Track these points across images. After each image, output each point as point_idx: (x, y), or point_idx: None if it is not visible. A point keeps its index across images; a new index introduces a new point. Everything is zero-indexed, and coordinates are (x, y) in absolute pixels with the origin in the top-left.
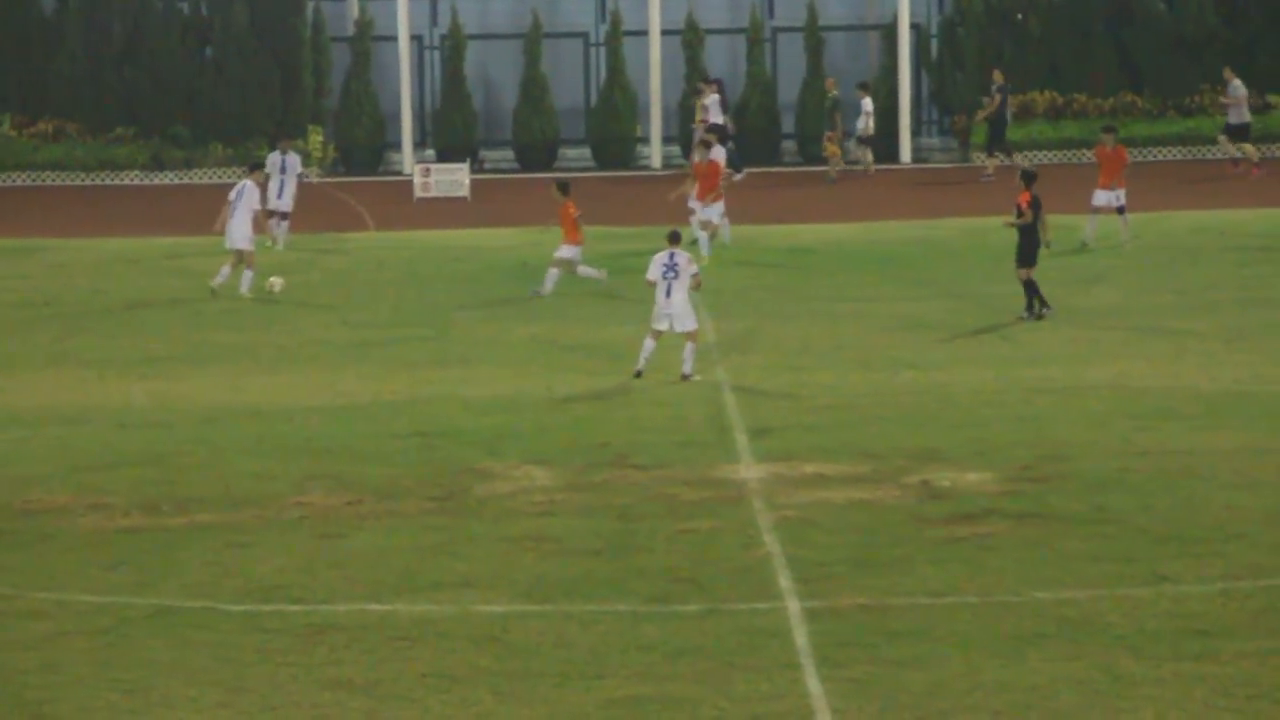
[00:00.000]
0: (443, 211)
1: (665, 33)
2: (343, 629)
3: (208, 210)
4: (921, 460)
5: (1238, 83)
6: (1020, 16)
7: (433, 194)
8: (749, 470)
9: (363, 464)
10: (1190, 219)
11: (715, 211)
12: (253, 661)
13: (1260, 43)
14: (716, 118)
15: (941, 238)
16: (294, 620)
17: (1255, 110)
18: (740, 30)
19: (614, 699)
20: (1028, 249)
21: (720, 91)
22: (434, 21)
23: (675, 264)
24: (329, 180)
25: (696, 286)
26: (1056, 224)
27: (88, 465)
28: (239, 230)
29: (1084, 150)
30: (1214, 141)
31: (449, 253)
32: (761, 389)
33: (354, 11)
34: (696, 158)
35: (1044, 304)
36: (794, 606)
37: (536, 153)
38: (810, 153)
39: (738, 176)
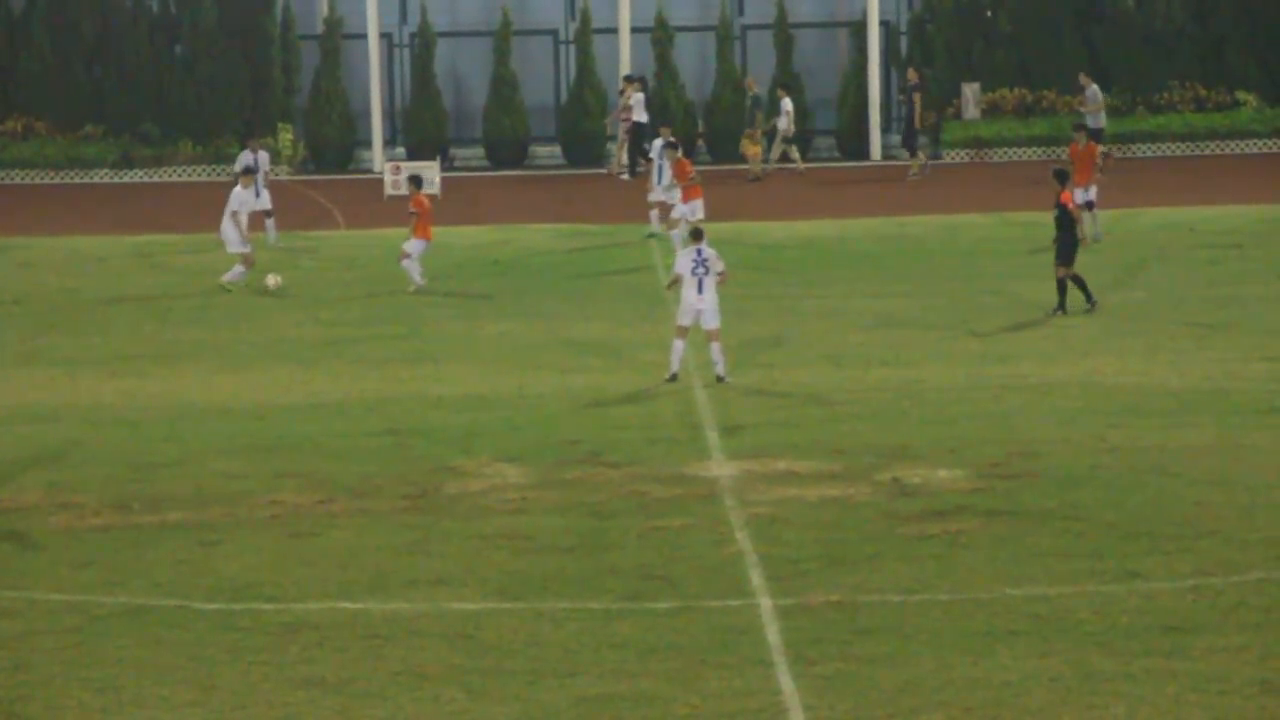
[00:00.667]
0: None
1: (635, 30)
2: (315, 627)
3: (177, 208)
4: (892, 457)
5: (1095, 88)
6: (989, 13)
7: (403, 192)
8: (720, 467)
9: (334, 462)
10: (1160, 216)
11: (690, 209)
12: (224, 660)
13: (1229, 40)
14: (640, 115)
15: (913, 235)
16: (266, 619)
17: (1224, 108)
18: (710, 28)
19: (586, 696)
20: (1067, 247)
21: (644, 89)
22: (403, 19)
23: (704, 259)
24: (299, 178)
25: (723, 282)
26: (1028, 221)
27: (58, 463)
28: (226, 234)
29: (1053, 147)
30: (1184, 138)
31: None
32: (733, 386)
33: (323, 9)
34: (668, 159)
35: (1089, 298)
36: (766, 604)
37: (507, 150)
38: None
39: (625, 177)
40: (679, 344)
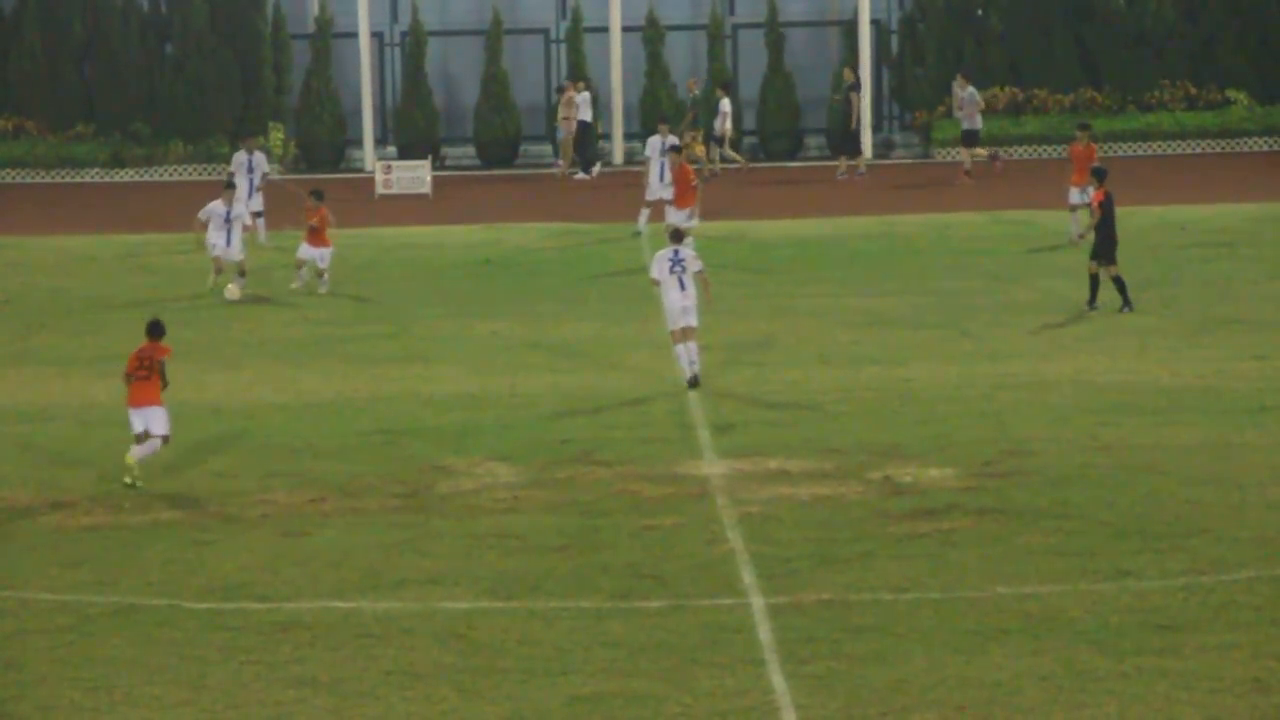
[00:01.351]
0: (404, 208)
1: (626, 29)
2: (306, 627)
3: (168, 208)
4: (884, 456)
5: (972, 90)
6: (980, 12)
7: (394, 191)
8: (712, 466)
9: (325, 461)
10: (1152, 214)
11: (684, 215)
12: (216, 659)
13: (1219, 38)
14: (585, 115)
15: (903, 233)
16: (257, 618)
17: (1215, 106)
18: (701, 26)
19: (578, 695)
20: (1105, 245)
21: (590, 89)
22: (394, 18)
23: (681, 259)
24: (290, 177)
25: (706, 284)
26: (1020, 219)
27: (49, 463)
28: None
29: (1044, 145)
30: (1175, 136)
31: (411, 249)
32: (724, 385)
33: (314, 8)
34: (669, 163)
35: (1126, 302)
36: (757, 602)
37: (498, 149)
38: (771, 149)
39: (579, 176)
40: (680, 350)
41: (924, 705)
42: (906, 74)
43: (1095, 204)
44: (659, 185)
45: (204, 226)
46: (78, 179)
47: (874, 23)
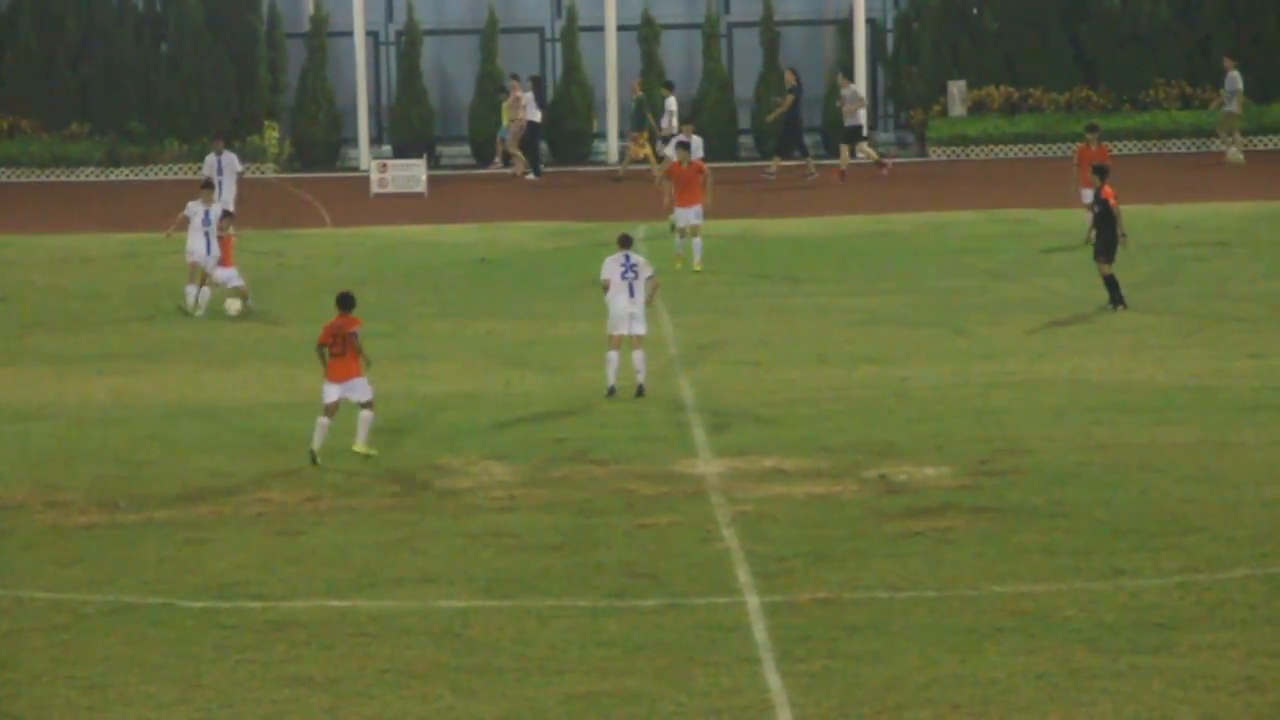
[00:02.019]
0: (399, 207)
1: (621, 28)
2: (302, 625)
3: (163, 206)
4: (879, 455)
5: (854, 88)
6: (975, 11)
7: (389, 190)
8: (707, 465)
9: (321, 460)
10: (1146, 213)
11: (693, 213)
12: (211, 658)
13: (1214, 37)
14: (533, 115)
15: (899, 232)
16: (253, 617)
17: (1209, 105)
18: (696, 25)
19: (573, 694)
20: (1109, 244)
21: (536, 88)
22: (390, 17)
23: (633, 264)
24: (285, 176)
25: (655, 289)
26: (1017, 218)
27: (45, 462)
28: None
29: (1039, 144)
30: (1170, 135)
31: (406, 248)
32: (719, 384)
33: (309, 7)
34: (678, 159)
35: (1118, 301)
36: (753, 601)
37: (493, 148)
38: (766, 148)
39: (531, 176)
40: (613, 355)
41: (919, 703)
42: (901, 73)
43: (1112, 201)
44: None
45: (184, 225)
46: (73, 178)
47: (869, 21)
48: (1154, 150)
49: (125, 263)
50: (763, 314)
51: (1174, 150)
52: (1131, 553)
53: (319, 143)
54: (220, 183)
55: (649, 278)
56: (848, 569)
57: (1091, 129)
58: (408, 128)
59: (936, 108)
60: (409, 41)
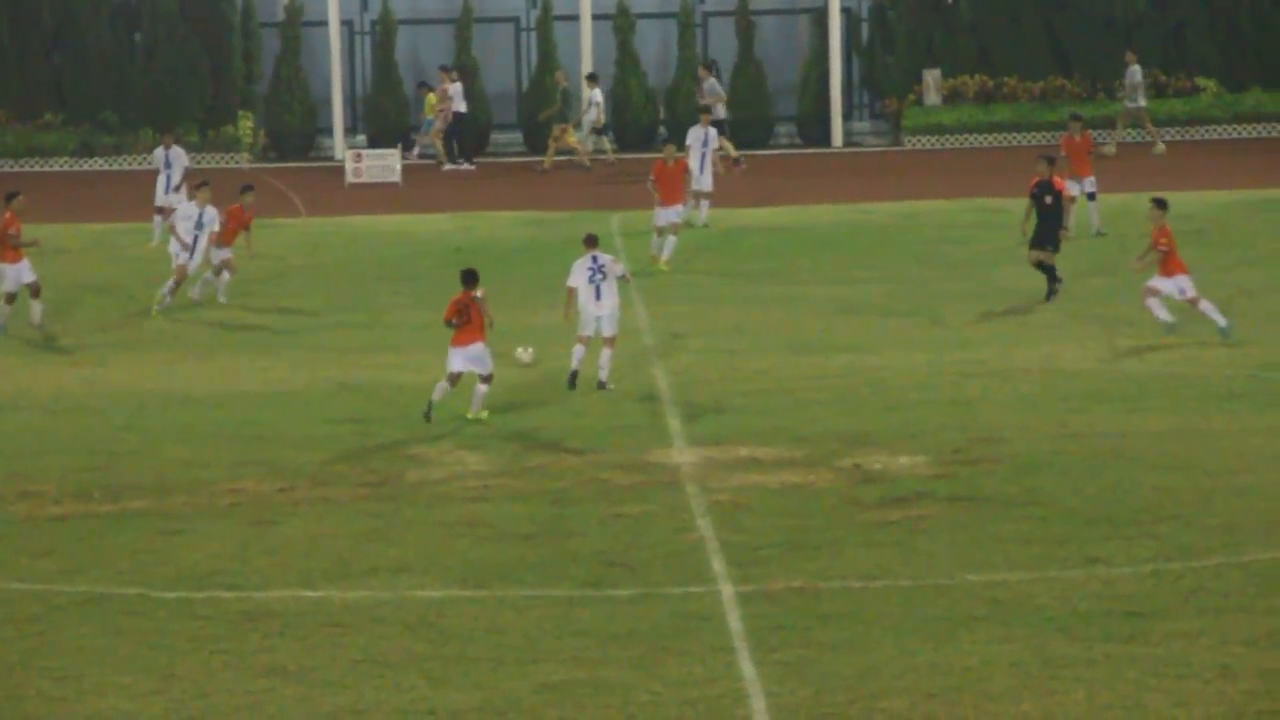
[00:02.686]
0: (374, 197)
1: (596, 17)
2: (276, 615)
3: (137, 196)
4: (853, 444)
5: (713, 81)
6: (950, 1)
7: (364, 180)
8: (682, 454)
9: (296, 450)
10: (1119, 201)
11: (676, 213)
12: (185, 649)
13: (1189, 25)
14: (460, 105)
15: (873, 222)
16: (227, 607)
17: (1184, 94)
18: (671, 15)
19: (548, 684)
20: (1054, 232)
21: (464, 79)
22: (364, 7)
23: (600, 266)
24: (260, 166)
25: (627, 282)
26: (992, 207)
27: (18, 452)
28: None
29: (1014, 133)
30: (1078, 119)
31: (381, 238)
32: (694, 373)
33: None
34: (664, 157)
35: (1053, 284)
36: (727, 590)
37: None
38: (742, 137)
39: (467, 166)
40: (580, 349)
41: (893, 692)
42: (876, 62)
43: (1064, 191)
44: (699, 175)
45: (173, 226)
46: (46, 168)
47: (844, 10)
48: (1127, 139)
49: (99, 253)
50: (738, 303)
51: (1148, 139)
52: (1105, 541)
53: (294, 132)
54: (169, 177)
55: (620, 276)
56: (822, 558)
57: (1076, 118)
58: (383, 117)
59: (911, 97)
60: (384, 31)
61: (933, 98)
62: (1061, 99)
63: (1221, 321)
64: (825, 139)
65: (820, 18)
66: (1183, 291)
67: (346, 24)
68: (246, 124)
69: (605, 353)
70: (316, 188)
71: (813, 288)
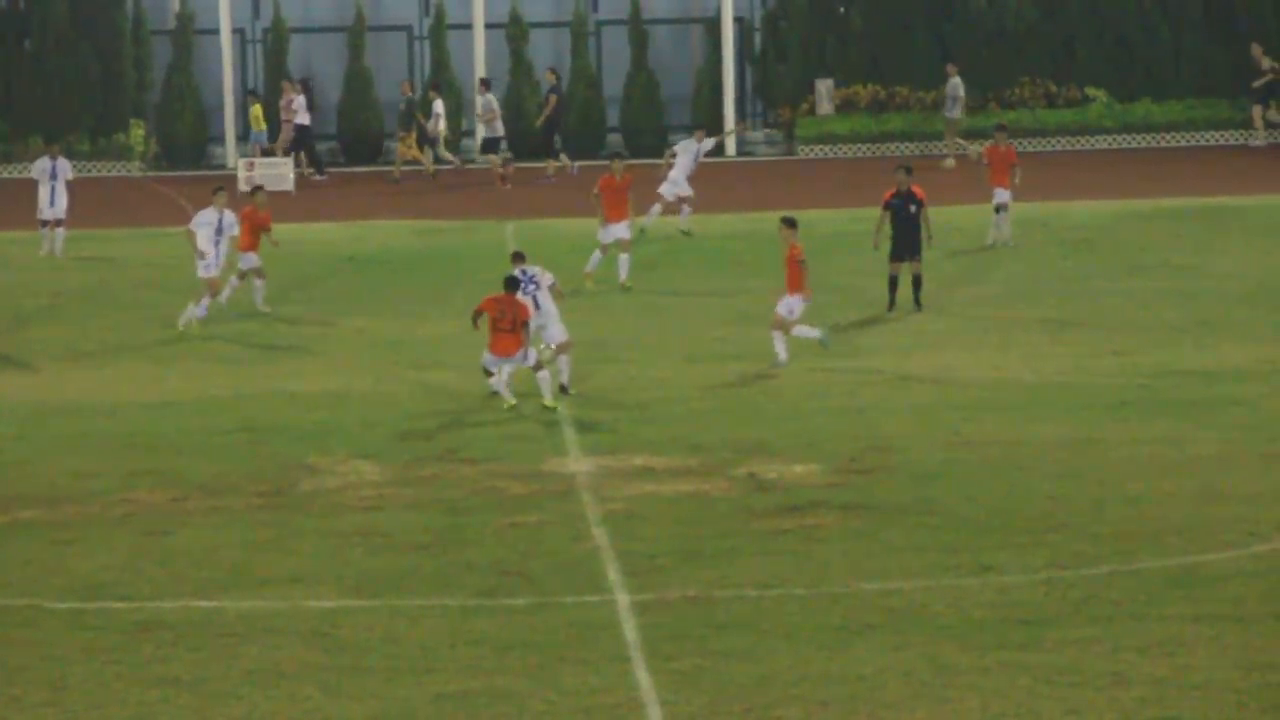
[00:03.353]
0: (267, 205)
1: (489, 26)
2: (169, 626)
3: (25, 205)
4: (748, 453)
5: (489, 97)
6: (842, 10)
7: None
8: (577, 463)
9: (188, 460)
10: (1013, 211)
11: (621, 229)
12: (77, 659)
13: (1079, 36)
14: (303, 119)
15: (767, 231)
16: (119, 618)
17: (1074, 104)
18: (564, 24)
19: (443, 693)
20: (916, 242)
21: (307, 91)
22: (256, 14)
23: (531, 277)
24: (151, 175)
25: (560, 294)
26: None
27: None
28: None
29: (906, 143)
30: (1035, 134)
31: (274, 247)
32: (590, 383)
33: (175, 5)
34: (612, 171)
35: (893, 304)
36: (623, 599)
37: (362, 146)
38: (636, 146)
39: (319, 177)
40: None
41: (788, 700)
42: (769, 71)
43: (924, 200)
44: (683, 183)
45: (194, 237)
46: None
47: (737, 20)
48: (1019, 149)
49: None
50: (633, 312)
51: (1039, 149)
52: (999, 549)
53: (185, 141)
54: (53, 188)
55: (551, 285)
56: (717, 567)
57: (1000, 128)
58: (275, 126)
59: (804, 106)
60: (276, 39)
61: (825, 107)
62: None
63: (814, 334)
64: (718, 148)
65: (713, 27)
66: (791, 312)
67: (238, 32)
68: (138, 132)
69: (562, 359)
70: (208, 196)
71: (707, 297)
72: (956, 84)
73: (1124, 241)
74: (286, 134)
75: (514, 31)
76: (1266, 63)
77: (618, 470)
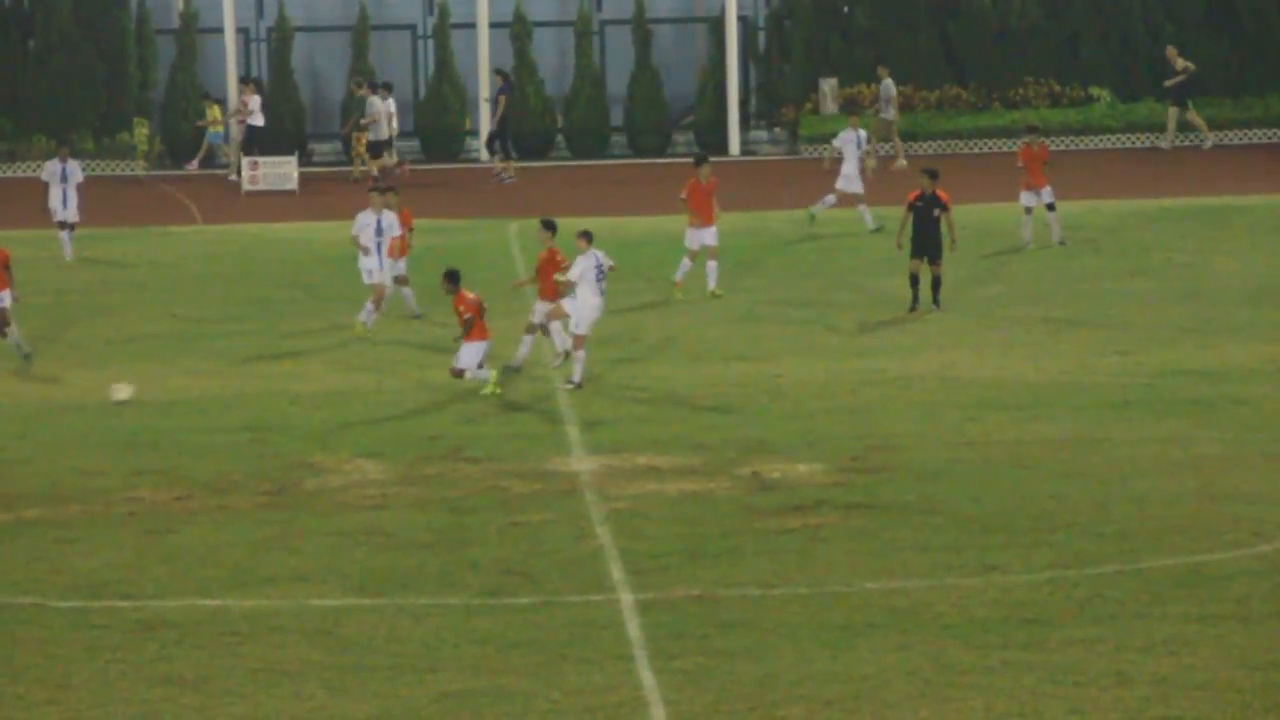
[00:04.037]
0: (271, 204)
1: (493, 25)
2: (173, 625)
3: (30, 204)
4: (752, 452)
5: (376, 98)
6: (847, 10)
7: (261, 187)
8: (581, 463)
9: (192, 458)
10: (1015, 211)
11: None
12: (81, 658)
13: (1083, 36)
14: (257, 120)
15: (770, 229)
16: (123, 616)
17: (1078, 103)
18: (569, 23)
19: (447, 692)
20: (937, 243)
21: (260, 92)
22: (260, 14)
23: (601, 265)
24: (156, 174)
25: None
26: (887, 215)
27: None
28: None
29: (908, 142)
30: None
31: (278, 246)
32: (593, 381)
33: (179, 4)
34: (699, 175)
35: (916, 300)
36: (626, 598)
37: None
38: (639, 145)
39: (232, 178)
40: (556, 332)
41: (792, 700)
42: (773, 70)
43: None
44: (856, 179)
45: (359, 240)
46: None
47: (741, 19)
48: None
49: None
50: (636, 312)
51: (893, 153)
52: (1002, 549)
53: (189, 140)
54: (64, 191)
55: (611, 267)
56: (721, 566)
57: (1032, 129)
58: (279, 125)
59: (808, 105)
60: (280, 38)
61: (829, 106)
62: (957, 108)
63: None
64: (723, 147)
65: (717, 26)
66: (535, 314)
67: (242, 31)
68: (142, 131)
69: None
70: (213, 195)
71: (710, 297)
72: (889, 85)
73: (1127, 241)
74: (238, 134)
75: (518, 30)
76: (1180, 64)
77: (621, 469)
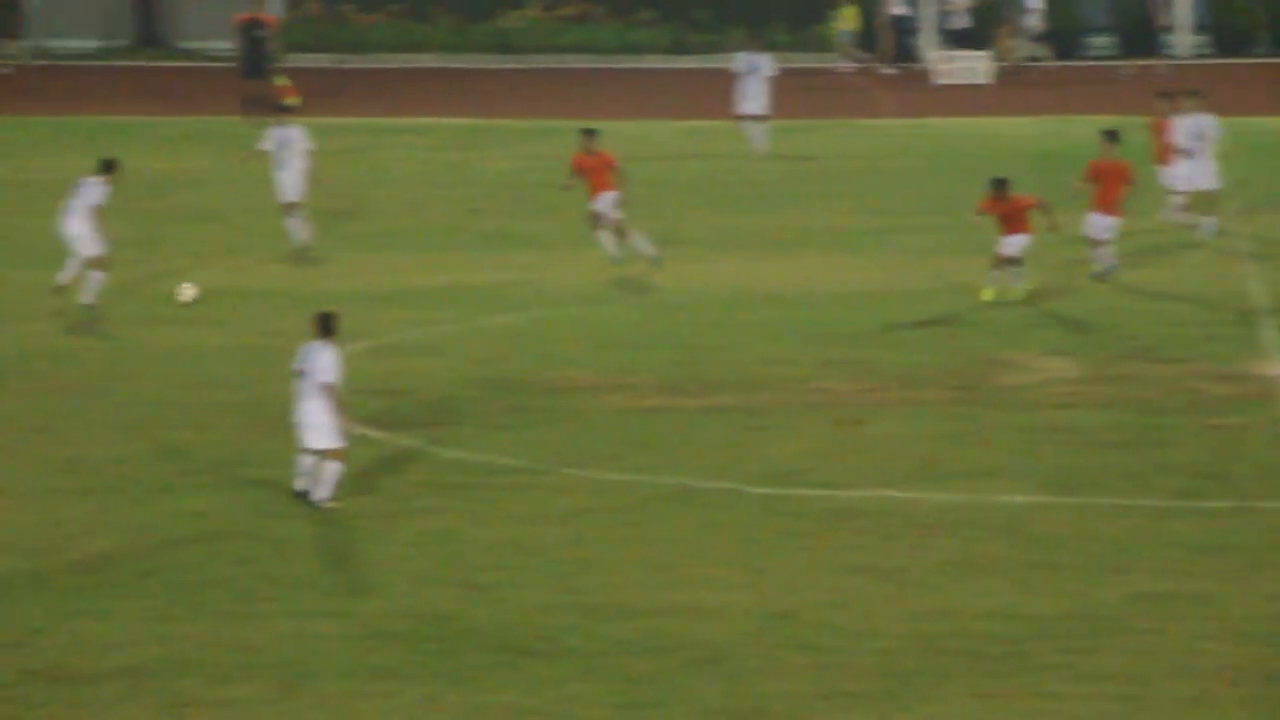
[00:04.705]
0: (962, 99)
1: None
2: (863, 515)
3: (727, 95)
4: None
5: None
6: None
7: (952, 81)
8: (1278, 367)
9: (880, 351)
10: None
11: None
12: (773, 544)
13: None
14: (899, 9)
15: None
16: (813, 504)
17: None
18: None
19: (1139, 593)
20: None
21: None
22: None
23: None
24: (847, 65)
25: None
26: None
27: (613, 345)
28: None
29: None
30: None
31: (967, 141)
32: None
33: None
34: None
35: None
36: None
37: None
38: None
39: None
40: None
41: None
42: None
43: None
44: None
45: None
46: (640, 64)
47: None
48: None
49: (685, 147)
50: None
51: None
52: None
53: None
54: (753, 84)
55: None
56: None
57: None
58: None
59: None
60: None
61: None
62: None
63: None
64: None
65: None
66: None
67: None
68: (847, 20)
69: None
70: (904, 89)
71: None
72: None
73: None
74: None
75: None
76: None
77: None
